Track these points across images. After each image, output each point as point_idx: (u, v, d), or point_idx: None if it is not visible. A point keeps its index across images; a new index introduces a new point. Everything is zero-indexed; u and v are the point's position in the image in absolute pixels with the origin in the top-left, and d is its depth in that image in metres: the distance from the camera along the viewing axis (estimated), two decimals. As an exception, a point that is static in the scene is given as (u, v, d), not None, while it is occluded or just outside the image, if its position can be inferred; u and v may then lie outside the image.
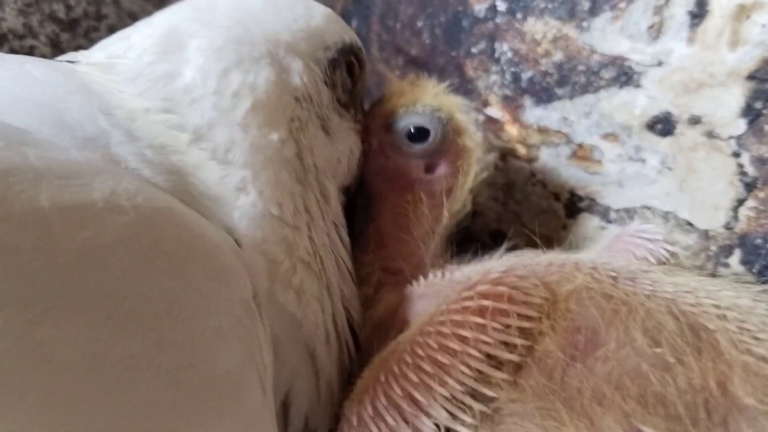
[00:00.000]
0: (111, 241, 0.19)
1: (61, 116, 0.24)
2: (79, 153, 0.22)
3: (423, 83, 0.39)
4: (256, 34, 0.31)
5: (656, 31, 0.35)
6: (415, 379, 0.26)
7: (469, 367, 0.25)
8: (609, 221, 0.40)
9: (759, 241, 0.33)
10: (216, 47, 0.30)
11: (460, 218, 0.38)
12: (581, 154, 0.41)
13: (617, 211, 0.40)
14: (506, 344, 0.26)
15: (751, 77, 0.31)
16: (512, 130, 0.45)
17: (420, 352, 0.27)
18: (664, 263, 0.33)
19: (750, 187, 0.33)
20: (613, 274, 0.29)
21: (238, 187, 0.27)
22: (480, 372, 0.25)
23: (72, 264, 0.17)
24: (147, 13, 0.61)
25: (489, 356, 0.26)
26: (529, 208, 0.45)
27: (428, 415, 0.25)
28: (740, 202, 0.33)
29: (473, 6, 0.45)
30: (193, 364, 0.20)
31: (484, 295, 0.27)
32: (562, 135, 0.41)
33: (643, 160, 0.37)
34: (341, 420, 0.28)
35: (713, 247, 0.35)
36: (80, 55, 0.31)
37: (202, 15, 0.32)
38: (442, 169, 0.37)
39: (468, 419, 0.25)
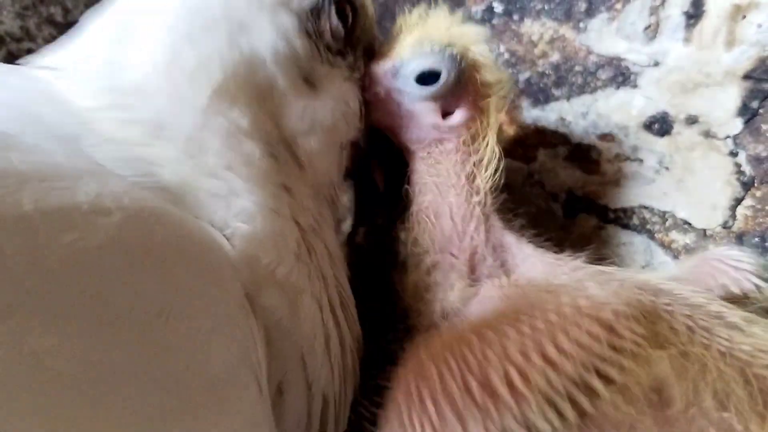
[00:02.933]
0: (97, 243, 0.18)
1: (39, 119, 0.24)
2: (63, 156, 0.22)
3: (434, 15, 0.34)
4: None
5: (652, 31, 0.35)
6: (474, 399, 0.23)
7: (535, 400, 0.23)
8: (607, 221, 0.40)
9: (757, 239, 0.33)
10: (168, 25, 0.27)
11: (493, 171, 0.33)
12: (579, 154, 0.41)
13: (615, 210, 0.40)
14: (579, 383, 0.23)
15: (747, 77, 0.32)
16: (510, 131, 0.45)
17: (492, 356, 0.24)
18: (746, 296, 0.29)
19: (747, 186, 0.33)
20: (690, 323, 0.26)
21: (209, 174, 0.26)
22: (544, 405, 0.23)
23: (59, 268, 0.17)
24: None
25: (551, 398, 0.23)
26: (527, 208, 0.45)
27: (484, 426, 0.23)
28: (738, 201, 0.33)
29: (470, 7, 0.45)
30: (188, 367, 0.20)
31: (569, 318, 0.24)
32: (560, 135, 0.42)
33: (641, 160, 0.38)
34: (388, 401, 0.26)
35: (711, 247, 0.35)
36: (33, 59, 0.30)
37: None
38: (461, 113, 0.32)
39: None
